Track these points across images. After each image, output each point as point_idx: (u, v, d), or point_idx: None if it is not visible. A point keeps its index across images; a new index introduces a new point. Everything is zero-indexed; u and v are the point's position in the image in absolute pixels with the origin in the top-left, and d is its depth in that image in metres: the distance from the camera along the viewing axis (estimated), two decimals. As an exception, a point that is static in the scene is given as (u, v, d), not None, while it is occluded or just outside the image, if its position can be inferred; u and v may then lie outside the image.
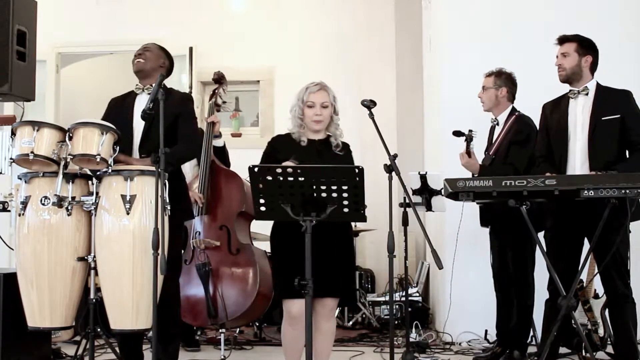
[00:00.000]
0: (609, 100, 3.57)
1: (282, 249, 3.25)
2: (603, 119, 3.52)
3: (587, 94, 3.61)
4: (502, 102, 4.18)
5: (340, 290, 3.24)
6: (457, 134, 4.08)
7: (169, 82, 3.70)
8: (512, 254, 4.06)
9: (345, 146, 3.42)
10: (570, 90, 3.66)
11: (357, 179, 2.65)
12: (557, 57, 3.68)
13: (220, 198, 4.41)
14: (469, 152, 4.03)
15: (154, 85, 3.66)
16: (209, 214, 4.37)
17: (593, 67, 3.65)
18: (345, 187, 2.66)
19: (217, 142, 4.60)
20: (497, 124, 4.16)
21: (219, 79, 4.76)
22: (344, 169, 2.68)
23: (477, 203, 4.04)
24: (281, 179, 2.70)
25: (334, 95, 3.37)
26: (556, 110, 3.72)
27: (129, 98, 3.75)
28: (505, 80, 4.18)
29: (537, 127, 3.97)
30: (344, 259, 3.29)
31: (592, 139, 3.53)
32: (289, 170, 2.74)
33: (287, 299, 3.18)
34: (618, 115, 3.52)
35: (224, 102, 4.82)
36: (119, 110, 3.68)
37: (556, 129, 3.67)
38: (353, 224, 5.85)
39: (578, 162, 3.57)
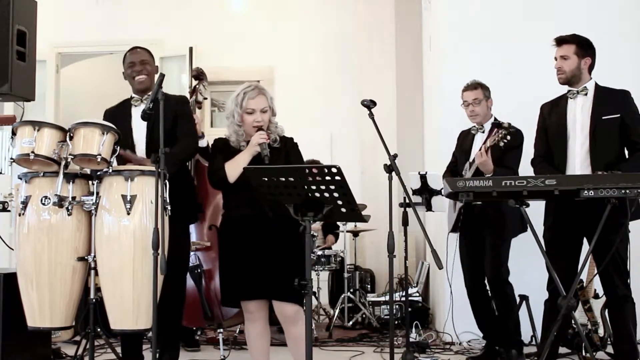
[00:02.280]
0: (608, 100, 3.57)
1: (228, 252, 3.24)
2: (603, 118, 3.53)
3: (586, 94, 3.61)
4: (490, 111, 4.19)
5: (295, 294, 3.07)
6: (497, 124, 4.01)
7: (168, 82, 3.70)
8: (491, 256, 4.04)
9: (287, 140, 3.33)
10: (569, 91, 3.66)
11: (338, 177, 2.62)
12: (555, 59, 3.66)
13: (206, 198, 4.39)
14: (488, 149, 3.96)
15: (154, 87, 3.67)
16: None
17: (591, 68, 3.65)
18: (332, 187, 2.64)
19: (201, 143, 4.56)
20: (483, 131, 4.15)
21: (198, 75, 4.70)
22: (318, 169, 2.63)
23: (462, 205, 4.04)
24: (275, 179, 2.70)
25: (271, 96, 3.28)
26: (554, 110, 3.72)
27: (125, 107, 3.77)
28: (489, 91, 4.18)
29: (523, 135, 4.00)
30: (290, 262, 3.18)
31: (593, 139, 3.53)
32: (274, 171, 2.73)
33: (243, 301, 3.23)
34: (618, 115, 3.52)
35: (205, 99, 4.79)
36: (116, 120, 3.64)
37: (555, 129, 3.67)
38: (353, 224, 5.96)
39: (578, 161, 3.57)
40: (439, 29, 5.42)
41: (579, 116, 3.61)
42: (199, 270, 4.22)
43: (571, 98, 3.65)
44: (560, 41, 3.65)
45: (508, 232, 4.03)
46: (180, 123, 3.68)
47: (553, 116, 3.71)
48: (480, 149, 3.92)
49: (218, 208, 4.35)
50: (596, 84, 3.64)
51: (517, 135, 4.01)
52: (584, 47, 3.62)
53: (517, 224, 3.94)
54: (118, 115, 3.72)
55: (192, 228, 4.36)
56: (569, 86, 3.66)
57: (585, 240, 3.59)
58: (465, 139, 4.28)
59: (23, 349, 3.64)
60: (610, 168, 3.38)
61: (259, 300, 3.23)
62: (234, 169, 3.17)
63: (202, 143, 4.58)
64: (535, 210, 3.85)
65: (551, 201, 3.56)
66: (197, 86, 4.69)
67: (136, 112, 3.71)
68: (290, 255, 3.15)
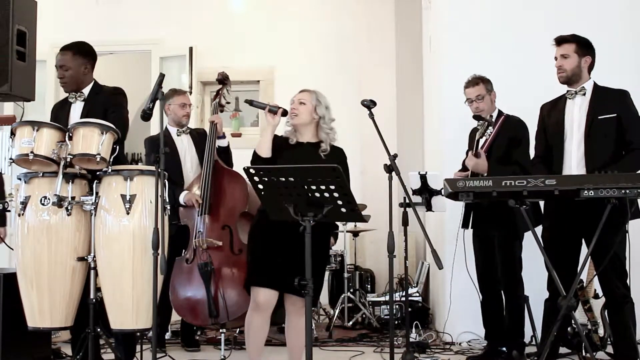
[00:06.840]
0: (605, 99, 3.58)
1: (260, 240, 3.33)
2: (599, 118, 3.53)
3: (584, 94, 3.62)
4: (494, 104, 4.20)
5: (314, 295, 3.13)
6: (478, 117, 4.03)
7: (168, 82, 3.70)
8: (502, 254, 4.04)
9: (335, 150, 3.43)
10: (567, 91, 3.68)
11: (338, 178, 2.63)
12: (555, 58, 3.68)
13: (223, 198, 4.40)
14: (477, 154, 3.98)
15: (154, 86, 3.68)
16: (212, 213, 4.36)
17: (591, 67, 3.66)
18: (332, 187, 2.65)
19: (222, 142, 4.61)
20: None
21: (223, 80, 4.77)
22: (319, 169, 2.66)
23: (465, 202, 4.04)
24: (275, 179, 2.71)
25: (322, 100, 3.44)
26: (554, 110, 3.73)
27: (66, 105, 3.81)
28: (490, 84, 4.19)
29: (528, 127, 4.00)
30: (319, 261, 3.26)
31: (588, 138, 3.54)
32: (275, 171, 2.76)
33: (254, 287, 3.29)
34: (614, 115, 3.52)
35: (228, 103, 4.84)
36: (58, 117, 3.74)
37: (553, 129, 3.68)
38: (353, 224, 5.96)
39: (574, 161, 3.58)
40: (439, 29, 5.42)
41: (576, 116, 3.62)
42: (208, 268, 4.22)
43: (570, 98, 3.66)
44: (561, 41, 3.68)
45: (518, 229, 4.00)
46: (109, 114, 3.66)
47: (552, 116, 3.73)
48: (474, 151, 3.95)
49: (234, 209, 4.37)
50: (595, 83, 3.65)
51: (522, 127, 4.03)
52: (584, 46, 3.65)
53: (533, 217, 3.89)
54: (60, 113, 3.80)
55: (205, 227, 4.37)
56: (568, 85, 3.67)
57: (583, 241, 3.59)
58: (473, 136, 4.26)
59: (23, 349, 3.64)
60: (605, 168, 3.37)
61: (271, 292, 3.27)
62: (261, 145, 3.36)
63: (224, 143, 4.63)
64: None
65: (550, 201, 3.56)
66: (221, 90, 4.75)
67: (73, 112, 3.75)
68: (320, 256, 3.23)
